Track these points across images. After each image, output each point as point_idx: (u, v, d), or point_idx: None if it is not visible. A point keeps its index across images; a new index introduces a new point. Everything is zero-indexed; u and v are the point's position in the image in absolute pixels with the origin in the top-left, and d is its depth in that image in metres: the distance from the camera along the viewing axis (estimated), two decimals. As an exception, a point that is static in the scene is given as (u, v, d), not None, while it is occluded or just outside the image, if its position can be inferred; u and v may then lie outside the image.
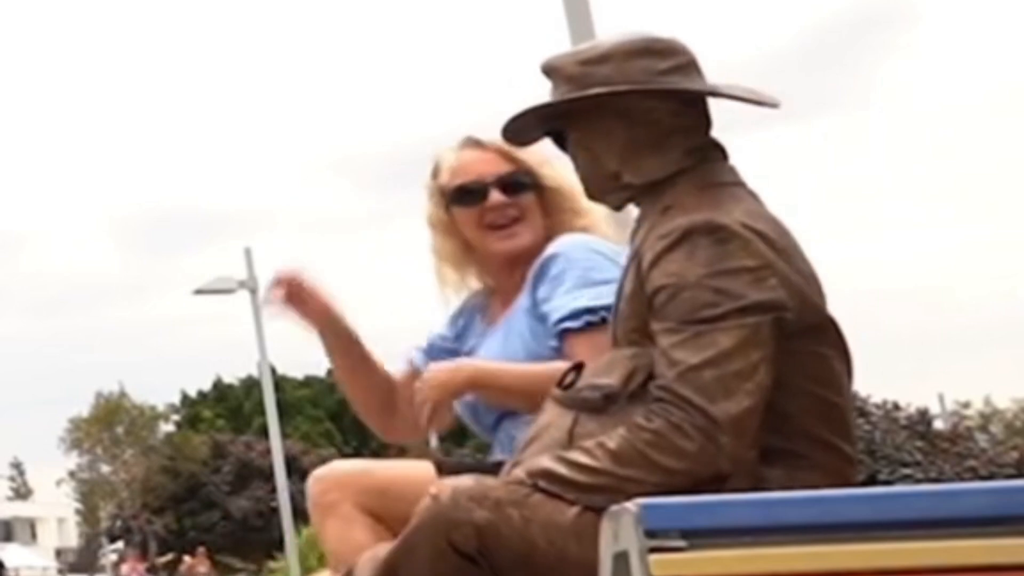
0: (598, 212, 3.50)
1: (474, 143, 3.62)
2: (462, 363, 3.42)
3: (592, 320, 3.28)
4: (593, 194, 3.00)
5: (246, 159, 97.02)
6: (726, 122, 2.98)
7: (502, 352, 3.44)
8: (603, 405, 2.73)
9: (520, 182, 3.56)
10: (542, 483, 2.68)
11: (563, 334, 3.33)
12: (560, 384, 2.88)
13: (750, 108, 2.95)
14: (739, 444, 2.62)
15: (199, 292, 26.81)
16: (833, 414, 2.77)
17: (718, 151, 2.92)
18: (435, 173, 3.67)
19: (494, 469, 2.96)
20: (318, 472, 3.44)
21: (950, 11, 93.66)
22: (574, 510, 2.65)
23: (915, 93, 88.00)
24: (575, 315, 3.31)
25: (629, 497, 2.46)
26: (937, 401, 41.02)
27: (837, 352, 2.82)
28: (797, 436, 2.73)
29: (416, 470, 3.34)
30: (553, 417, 2.82)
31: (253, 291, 26.06)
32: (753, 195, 2.88)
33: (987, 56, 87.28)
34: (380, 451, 59.28)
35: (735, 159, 2.94)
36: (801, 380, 2.74)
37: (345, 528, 3.32)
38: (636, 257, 2.83)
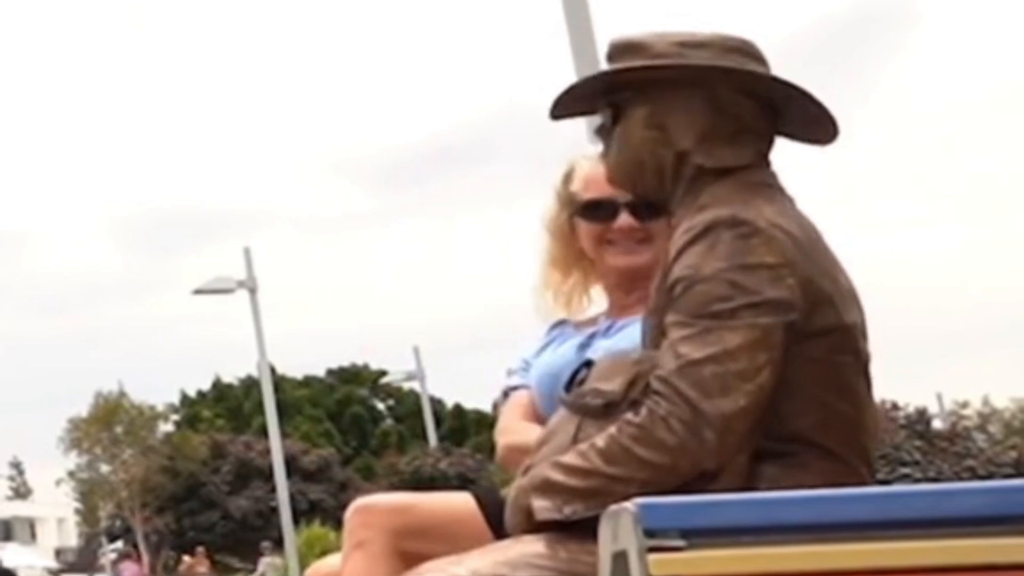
0: None
1: None
2: None
3: None
4: (630, 177, 2.92)
5: (246, 159, 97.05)
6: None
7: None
8: (604, 412, 2.71)
9: (652, 207, 3.35)
10: (537, 498, 2.68)
11: None
12: (571, 380, 2.87)
13: None
14: (725, 442, 2.59)
15: (199, 292, 26.85)
16: (837, 422, 2.72)
17: (768, 161, 2.90)
18: (567, 179, 3.60)
19: None
20: (360, 502, 3.29)
21: (950, 11, 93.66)
22: None
23: (916, 93, 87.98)
24: None
25: (624, 498, 2.45)
26: (936, 401, 40.99)
27: (855, 362, 2.76)
28: (793, 440, 2.69)
29: (458, 507, 3.26)
30: (561, 422, 2.82)
31: (252, 291, 26.08)
32: (791, 200, 2.85)
33: (988, 56, 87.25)
34: (379, 450, 59.29)
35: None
36: (807, 384, 2.69)
37: (369, 567, 3.18)
38: (666, 254, 2.79)
